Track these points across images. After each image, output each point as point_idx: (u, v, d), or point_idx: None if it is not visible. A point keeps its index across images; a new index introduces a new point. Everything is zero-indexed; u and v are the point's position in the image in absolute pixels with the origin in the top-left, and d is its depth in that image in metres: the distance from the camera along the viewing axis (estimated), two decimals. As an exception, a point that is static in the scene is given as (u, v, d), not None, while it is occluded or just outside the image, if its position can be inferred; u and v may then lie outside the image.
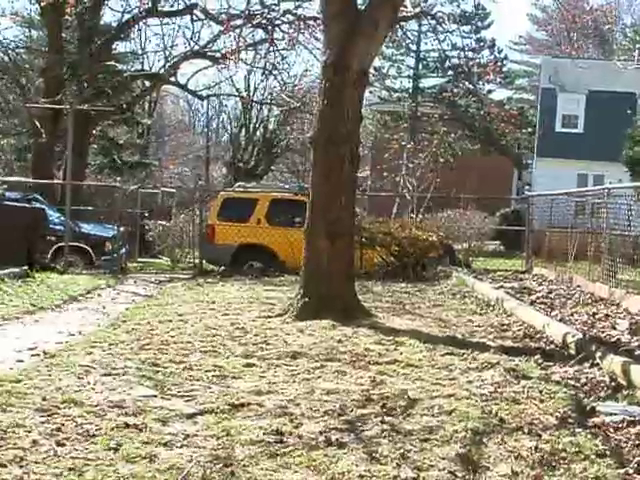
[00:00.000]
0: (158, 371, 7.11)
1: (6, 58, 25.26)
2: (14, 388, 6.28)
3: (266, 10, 24.25)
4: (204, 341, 8.66)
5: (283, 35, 24.20)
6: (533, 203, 21.52)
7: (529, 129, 41.58)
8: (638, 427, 5.65)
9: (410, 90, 40.53)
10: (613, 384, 6.91)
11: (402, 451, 4.97)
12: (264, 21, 24.25)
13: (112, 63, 27.30)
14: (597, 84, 36.85)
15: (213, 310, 11.39)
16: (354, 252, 12.08)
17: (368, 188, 36.21)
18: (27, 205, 18.49)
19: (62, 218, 19.14)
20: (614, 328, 10.19)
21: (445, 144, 34.55)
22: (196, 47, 27.61)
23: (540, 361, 7.88)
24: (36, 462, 4.65)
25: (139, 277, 18.16)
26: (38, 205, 19.33)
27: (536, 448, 5.05)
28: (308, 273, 11.00)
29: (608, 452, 5.04)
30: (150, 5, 25.51)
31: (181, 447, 5.01)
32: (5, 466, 4.56)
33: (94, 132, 29.98)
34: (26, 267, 15.38)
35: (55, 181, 25.06)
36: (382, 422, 5.60)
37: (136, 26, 28.69)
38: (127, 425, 5.38)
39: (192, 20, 25.86)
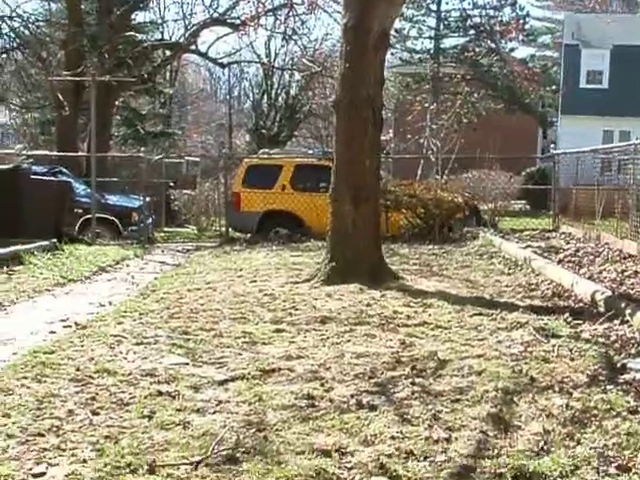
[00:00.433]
0: (189, 339, 7.17)
1: (27, 32, 25.22)
2: (48, 359, 6.36)
3: (284, -26, 24.07)
4: (233, 308, 8.70)
5: (302, -1, 24.01)
6: (559, 161, 21.34)
7: (553, 87, 41.13)
8: (669, 383, 5.63)
9: (432, 51, 40.09)
10: (643, 341, 6.90)
11: (433, 412, 4.99)
12: (283, -15, 24.09)
13: (132, 33, 27.27)
14: (621, 38, 36.30)
15: (241, 277, 11.43)
16: (380, 215, 12.07)
17: (392, 151, 36.03)
18: (53, 178, 18.55)
19: (88, 190, 19.20)
20: (643, 285, 10.14)
21: (468, 104, 34.34)
22: (215, 14, 27.53)
23: (569, 319, 7.86)
24: (72, 431, 4.72)
25: (166, 247, 18.26)
26: (64, 178, 19.40)
27: (567, 406, 5.05)
28: (334, 238, 11.00)
29: (640, 408, 5.04)
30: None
31: (214, 413, 5.06)
32: (43, 435, 4.63)
33: (116, 103, 29.97)
34: (54, 240, 15.47)
35: (80, 153, 25.14)
36: (412, 384, 5.62)
37: (155, -5, 28.60)
38: (160, 393, 5.44)
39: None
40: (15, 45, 25.98)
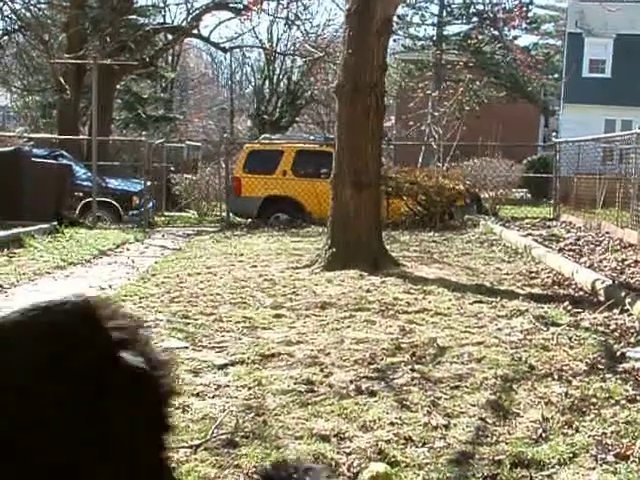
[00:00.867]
0: (189, 323, 7.18)
1: (28, 14, 25.14)
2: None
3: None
4: (233, 293, 8.72)
5: (305, -16, 23.99)
6: (560, 150, 21.33)
7: (555, 75, 41.03)
8: (668, 372, 5.64)
9: (434, 38, 39.99)
10: (643, 330, 6.90)
11: (432, 398, 5.00)
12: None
13: (134, 17, 27.18)
14: (625, 27, 36.18)
15: (241, 262, 11.44)
16: (381, 202, 12.07)
17: (393, 138, 35.98)
18: (54, 161, 18.54)
19: (89, 174, 19.19)
20: (643, 274, 10.15)
21: (470, 92, 34.25)
22: (218, -2, 27.39)
23: (569, 308, 7.87)
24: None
25: (167, 231, 18.26)
26: (65, 161, 19.39)
27: (566, 394, 5.06)
28: (335, 224, 10.99)
29: (638, 397, 5.04)
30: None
31: (213, 397, 5.07)
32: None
33: (118, 87, 29.93)
34: (55, 223, 15.48)
35: (81, 137, 25.11)
36: (412, 370, 5.63)
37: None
38: (160, 376, 5.44)
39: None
40: (16, 27, 25.94)
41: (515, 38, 41.85)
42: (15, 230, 13.73)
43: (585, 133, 20.84)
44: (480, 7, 38.41)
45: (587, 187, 17.93)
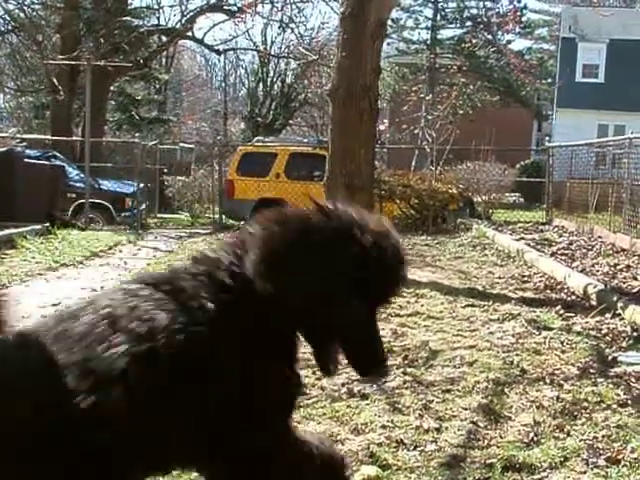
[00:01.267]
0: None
1: (22, 15, 25.12)
2: (39, 343, 6.33)
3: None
4: (225, 295, 8.68)
5: (300, -13, 24.00)
6: (553, 154, 21.37)
7: (549, 80, 41.17)
8: (660, 376, 5.65)
9: (428, 42, 40.07)
10: (635, 334, 6.89)
11: (424, 402, 4.99)
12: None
13: (128, 18, 27.16)
14: (618, 33, 36.32)
15: (234, 265, 11.40)
16: (374, 205, 12.07)
17: (387, 141, 36.01)
18: (46, 162, 18.50)
19: (81, 175, 19.17)
20: (635, 279, 10.16)
21: (464, 96, 34.35)
22: (212, 1, 27.39)
23: (561, 312, 7.87)
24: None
25: (159, 233, 18.23)
26: (57, 162, 19.36)
27: (557, 398, 5.06)
28: (328, 227, 10.96)
29: (630, 401, 5.04)
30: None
31: (205, 399, 5.04)
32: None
33: (112, 88, 29.91)
34: (47, 224, 15.45)
35: (74, 138, 25.08)
36: (404, 373, 5.62)
37: (151, -20, 28.51)
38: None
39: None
40: (10, 28, 25.94)
41: (509, 42, 42.03)
42: (7, 231, 13.70)
43: (578, 138, 20.90)
44: (474, 11, 38.56)
45: (580, 192, 17.96)
